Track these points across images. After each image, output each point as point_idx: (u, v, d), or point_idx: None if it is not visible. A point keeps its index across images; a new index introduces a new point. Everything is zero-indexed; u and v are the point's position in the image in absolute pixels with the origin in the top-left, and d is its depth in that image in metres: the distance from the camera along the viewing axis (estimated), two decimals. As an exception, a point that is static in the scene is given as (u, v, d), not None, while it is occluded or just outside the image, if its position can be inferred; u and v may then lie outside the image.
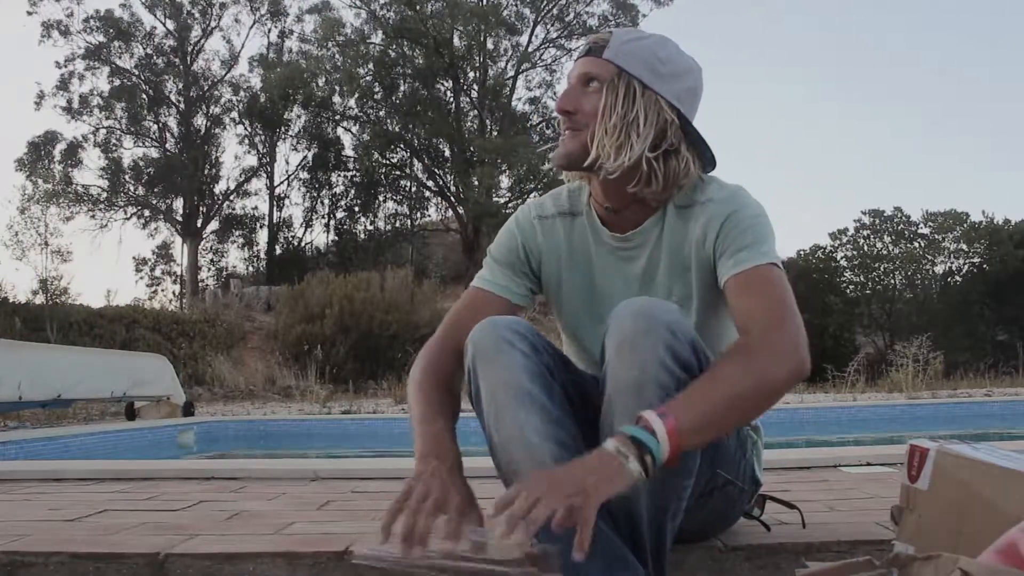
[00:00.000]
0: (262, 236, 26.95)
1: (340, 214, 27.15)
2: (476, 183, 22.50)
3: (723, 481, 1.33)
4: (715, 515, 1.39)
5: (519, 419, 1.19)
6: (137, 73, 25.45)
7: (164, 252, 26.56)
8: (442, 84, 25.56)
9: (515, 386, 1.20)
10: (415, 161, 25.98)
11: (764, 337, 1.18)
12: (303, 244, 27.02)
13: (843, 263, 21.86)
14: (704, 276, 1.35)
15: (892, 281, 21.63)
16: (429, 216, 27.33)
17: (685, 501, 1.20)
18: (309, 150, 26.49)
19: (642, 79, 1.30)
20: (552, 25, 25.67)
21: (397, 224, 26.81)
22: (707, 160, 1.38)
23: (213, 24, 26.08)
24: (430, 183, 26.01)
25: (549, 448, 1.16)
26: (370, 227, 26.97)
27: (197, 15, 25.94)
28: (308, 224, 27.04)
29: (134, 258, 26.43)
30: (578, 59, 1.36)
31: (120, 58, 25.25)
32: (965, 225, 21.05)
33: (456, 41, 24.97)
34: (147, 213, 25.39)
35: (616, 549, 1.13)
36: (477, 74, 25.55)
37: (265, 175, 26.79)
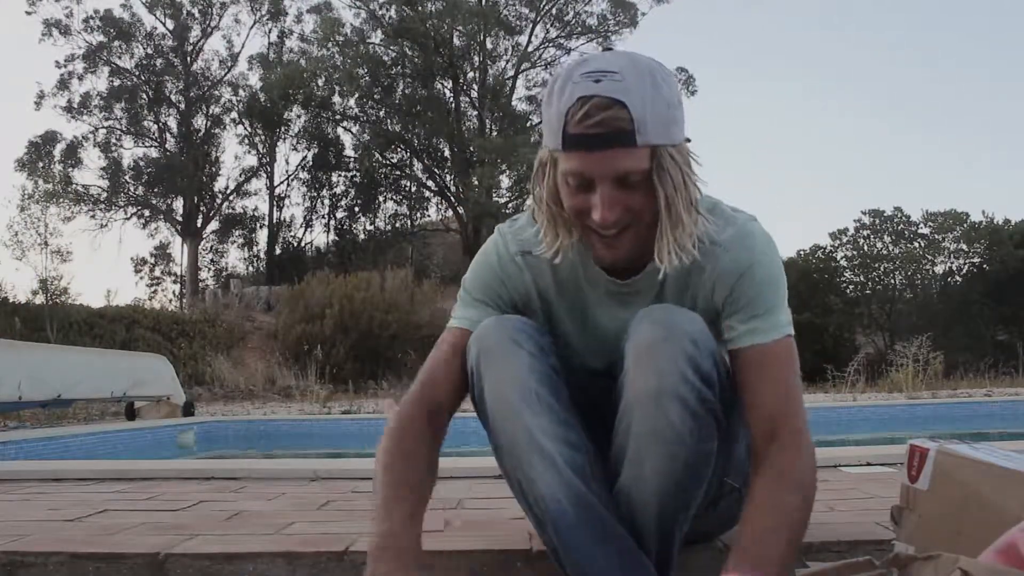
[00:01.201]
0: (262, 236, 27.00)
1: (340, 214, 27.19)
2: (476, 183, 22.50)
3: (730, 489, 1.33)
4: (721, 521, 1.39)
5: (527, 421, 1.16)
6: (137, 73, 25.46)
7: (163, 252, 26.61)
8: (441, 84, 25.57)
9: (522, 387, 1.17)
10: (415, 161, 25.99)
11: (797, 444, 1.17)
12: (303, 244, 27.05)
13: (843, 263, 21.90)
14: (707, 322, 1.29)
15: (892, 281, 21.66)
16: (429, 216, 27.37)
17: (693, 511, 1.19)
18: (309, 150, 26.51)
19: (673, 141, 1.13)
20: (552, 24, 25.68)
21: (397, 224, 26.83)
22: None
23: (213, 24, 26.12)
24: (430, 183, 26.03)
25: (559, 449, 1.15)
26: (370, 227, 27.01)
27: (197, 15, 25.96)
28: (308, 224, 27.08)
29: (132, 259, 26.51)
30: (593, 151, 1.10)
31: (120, 58, 25.29)
32: (965, 225, 21.08)
33: (455, 41, 24.97)
34: (147, 213, 25.42)
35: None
36: (476, 74, 25.56)
37: (265, 175, 26.82)
